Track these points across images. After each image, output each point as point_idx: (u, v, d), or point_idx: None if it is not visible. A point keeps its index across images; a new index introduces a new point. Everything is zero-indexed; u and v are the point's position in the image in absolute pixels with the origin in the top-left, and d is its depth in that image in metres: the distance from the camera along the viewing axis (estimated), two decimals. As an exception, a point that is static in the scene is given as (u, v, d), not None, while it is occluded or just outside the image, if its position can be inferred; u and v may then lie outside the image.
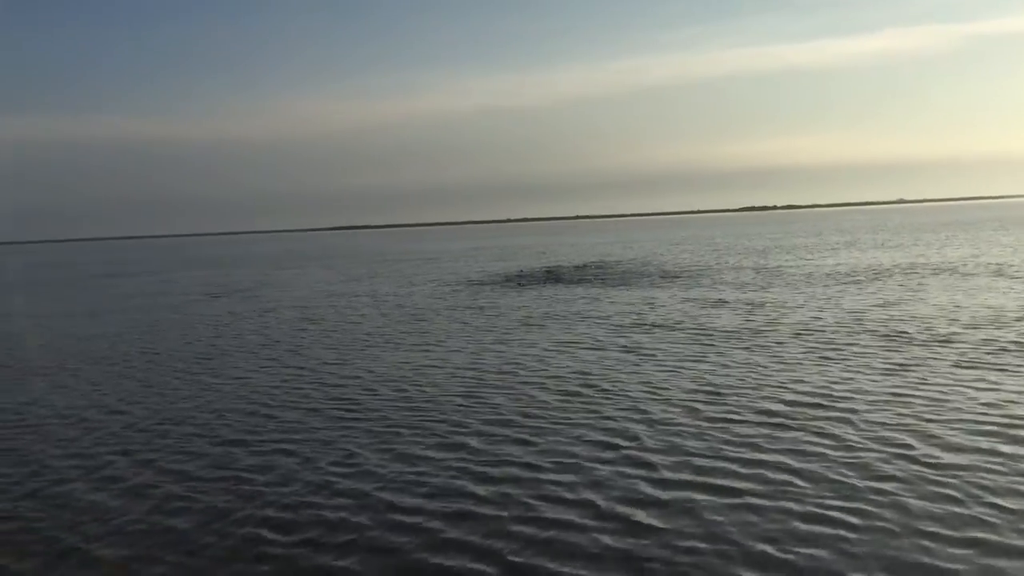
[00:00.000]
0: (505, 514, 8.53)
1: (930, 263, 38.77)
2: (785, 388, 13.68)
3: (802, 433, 10.96)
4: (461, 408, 13.25)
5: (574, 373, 15.73)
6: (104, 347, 22.22)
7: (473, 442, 11.20)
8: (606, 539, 7.79)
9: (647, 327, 21.41)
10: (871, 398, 12.70)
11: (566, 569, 7.24)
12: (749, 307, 24.69)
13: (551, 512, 8.52)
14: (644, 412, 12.46)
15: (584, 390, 14.20)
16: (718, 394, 13.45)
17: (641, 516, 8.30)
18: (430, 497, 9.10)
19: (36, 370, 18.95)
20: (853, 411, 11.97)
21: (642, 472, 9.64)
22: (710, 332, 20.02)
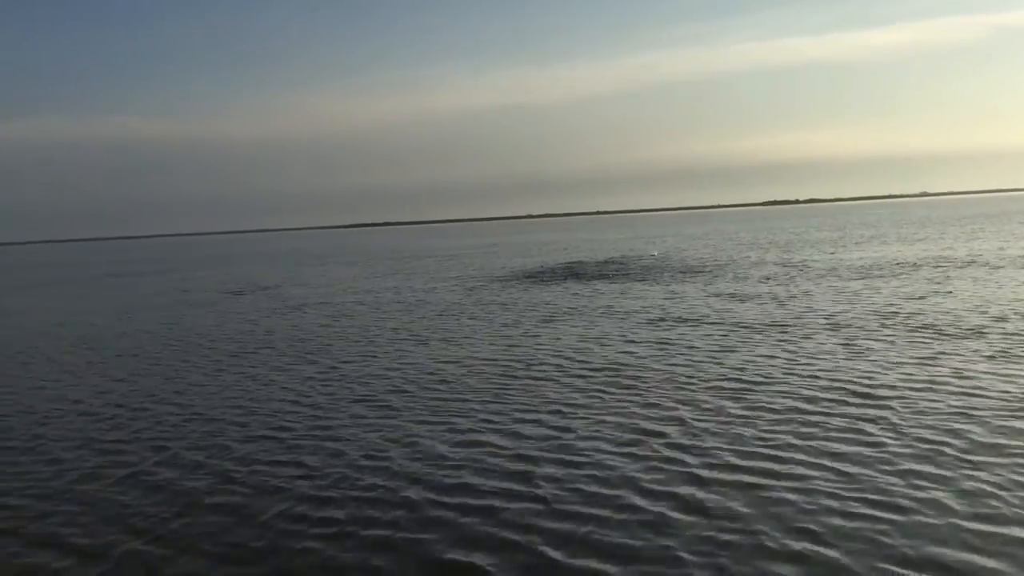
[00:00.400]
0: (541, 507, 8.54)
1: (957, 256, 38.39)
2: (819, 380, 13.63)
3: (840, 424, 10.92)
4: (492, 402, 13.28)
5: (607, 366, 15.71)
6: (134, 344, 22.44)
7: (501, 439, 11.22)
8: (646, 533, 7.78)
9: (675, 321, 21.34)
10: (906, 390, 12.61)
11: (604, 564, 7.24)
12: (776, 301, 24.56)
13: (587, 507, 8.52)
14: (681, 403, 12.47)
15: (618, 383, 14.20)
16: (752, 386, 13.43)
17: (679, 509, 8.29)
18: (463, 491, 9.13)
19: (68, 367, 19.17)
20: (889, 403, 11.90)
21: (680, 466, 9.62)
22: (739, 326, 19.92)
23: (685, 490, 8.81)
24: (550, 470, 9.72)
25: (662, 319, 21.92)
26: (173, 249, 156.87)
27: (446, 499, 8.92)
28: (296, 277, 48.75)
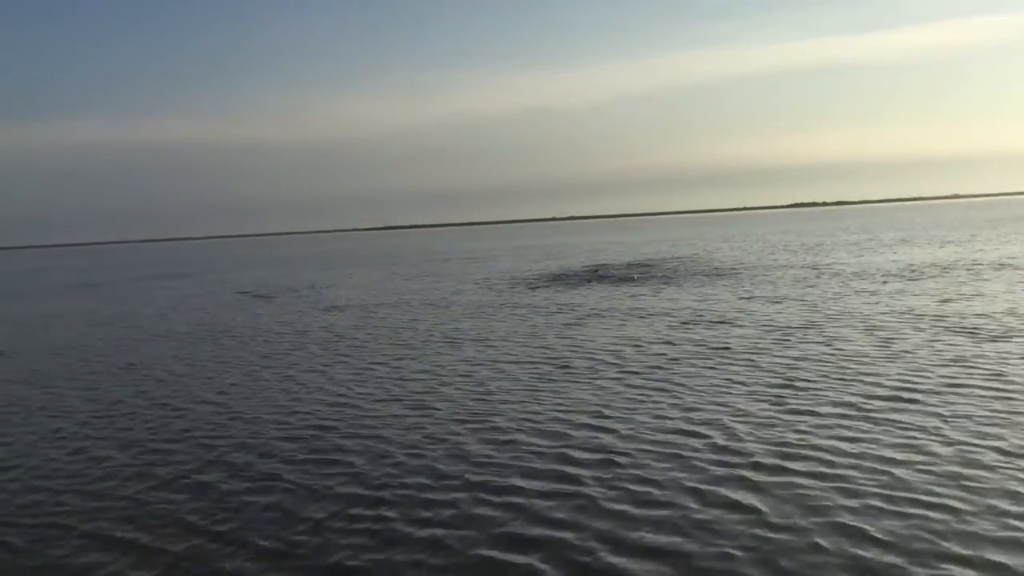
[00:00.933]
0: (590, 507, 8.65)
1: (990, 259, 38.04)
2: (860, 381, 13.64)
3: (886, 425, 10.95)
4: (530, 402, 13.39)
5: (644, 368, 15.78)
6: (172, 346, 22.81)
7: (542, 439, 11.32)
8: (697, 533, 7.86)
9: (710, 322, 21.36)
10: (947, 392, 12.59)
11: (657, 565, 7.32)
12: (809, 303, 24.49)
13: (636, 508, 8.60)
14: (721, 404, 12.53)
15: (655, 383, 14.28)
16: (794, 386, 13.47)
17: (732, 510, 8.35)
18: (511, 491, 9.24)
19: (110, 367, 19.52)
20: (931, 404, 11.91)
21: (726, 468, 9.68)
22: (775, 327, 19.91)
23: (736, 491, 8.86)
24: (596, 471, 9.80)
25: (698, 319, 21.94)
26: (208, 251, 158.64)
27: (494, 499, 9.03)
28: (324, 279, 49.16)
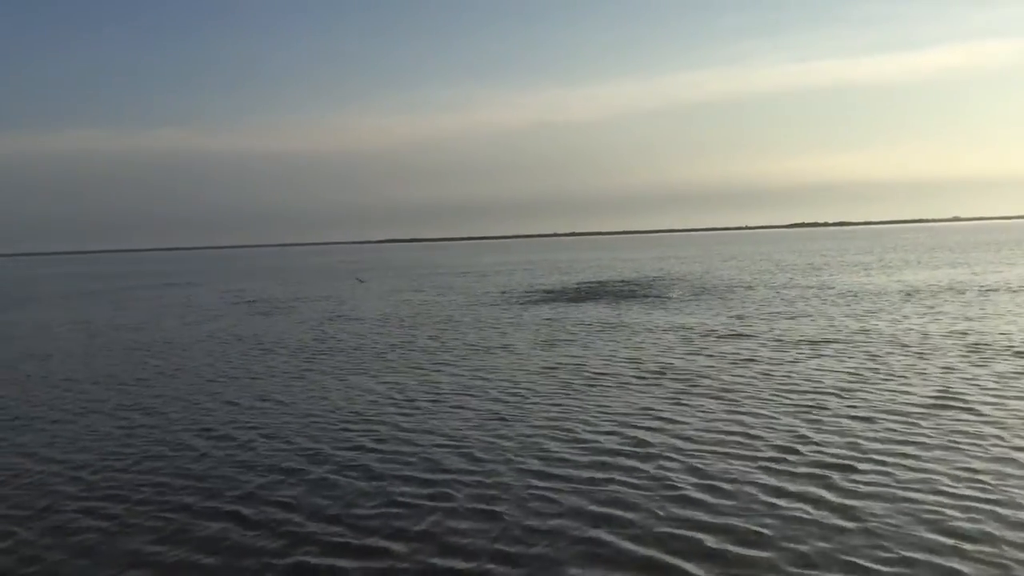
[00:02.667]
0: (651, 507, 9.51)
1: (1003, 280, 38.92)
2: (896, 392, 14.49)
3: (937, 433, 11.73)
4: (571, 405, 14.28)
5: (683, 376, 16.67)
6: (209, 349, 23.65)
7: (591, 435, 12.21)
8: (789, 525, 8.75)
9: (730, 336, 22.19)
10: (986, 403, 13.43)
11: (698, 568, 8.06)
12: (825, 319, 25.32)
13: (719, 498, 9.48)
14: (759, 411, 13.40)
15: (699, 392, 15.14)
16: (827, 396, 14.31)
17: (811, 505, 9.18)
18: (593, 483, 10.14)
19: (158, 369, 20.37)
20: (975, 413, 12.79)
21: (791, 465, 10.54)
22: (800, 342, 20.76)
23: (811, 489, 9.59)
24: (633, 478, 10.66)
25: (711, 333, 22.76)
26: (213, 261, 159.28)
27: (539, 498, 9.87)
28: (339, 290, 49.97)
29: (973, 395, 14.01)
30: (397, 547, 8.31)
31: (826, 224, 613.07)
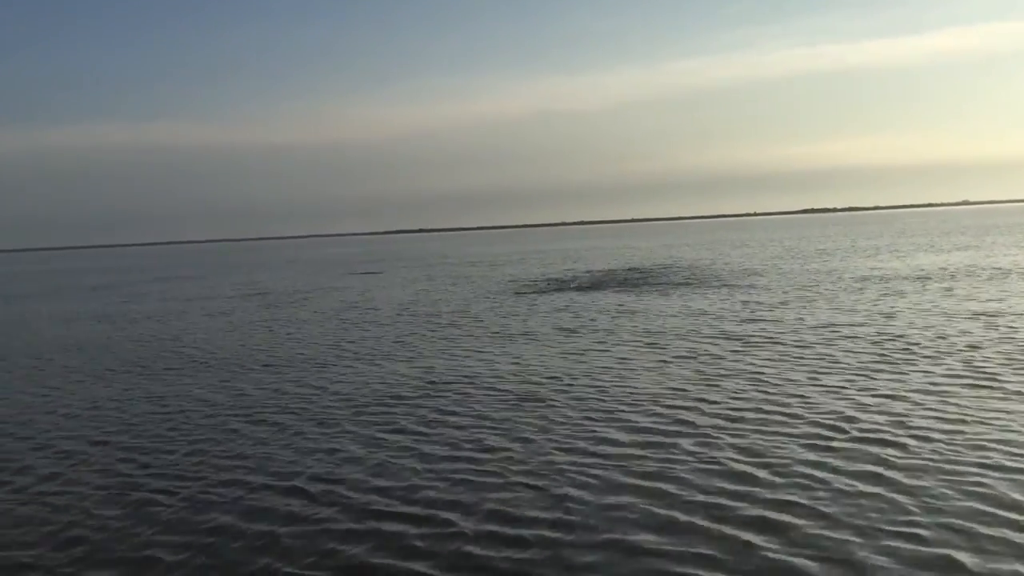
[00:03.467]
0: (699, 481, 9.81)
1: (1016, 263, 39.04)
2: (926, 371, 14.70)
3: (974, 409, 11.97)
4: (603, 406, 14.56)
5: (703, 363, 16.91)
6: (236, 341, 24.01)
7: (621, 433, 12.48)
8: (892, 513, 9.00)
9: (750, 320, 22.41)
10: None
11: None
12: (845, 302, 25.53)
13: (799, 494, 9.76)
14: (796, 395, 13.63)
15: (729, 373, 15.40)
16: (862, 374, 14.55)
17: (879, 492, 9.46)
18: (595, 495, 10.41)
19: (190, 363, 20.70)
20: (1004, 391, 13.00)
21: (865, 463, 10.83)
22: (820, 326, 21.00)
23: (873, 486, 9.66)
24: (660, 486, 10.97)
25: (744, 320, 22.99)
26: (233, 255, 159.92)
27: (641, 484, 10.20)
28: (349, 282, 50.29)
29: (1002, 373, 14.21)
30: (460, 519, 8.62)
31: (835, 210, 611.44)
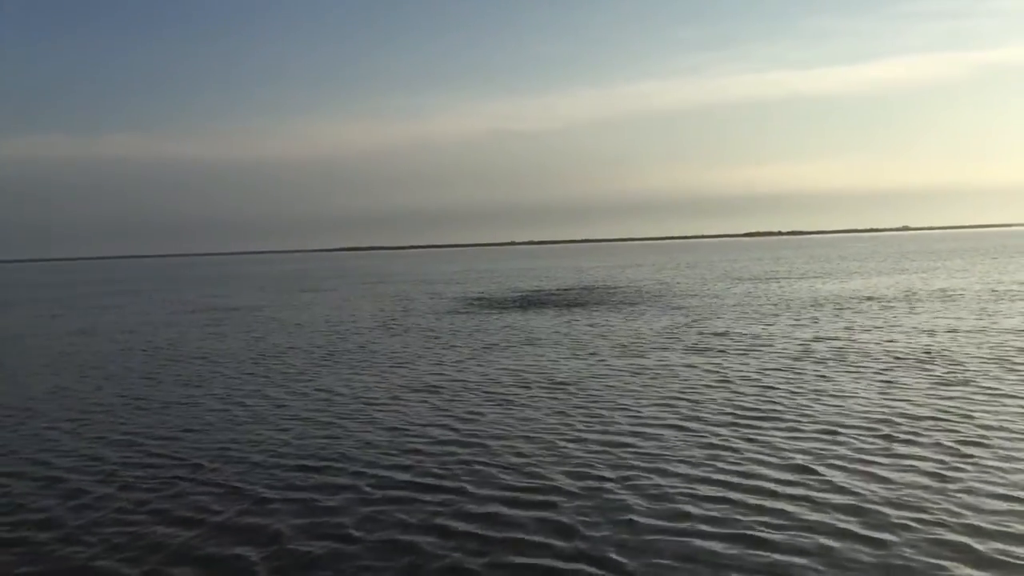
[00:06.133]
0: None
1: (988, 285, 39.25)
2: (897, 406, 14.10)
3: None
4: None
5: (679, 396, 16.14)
6: (234, 356, 22.72)
7: (643, 441, 11.57)
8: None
9: (706, 347, 21.78)
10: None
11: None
12: (805, 324, 25.09)
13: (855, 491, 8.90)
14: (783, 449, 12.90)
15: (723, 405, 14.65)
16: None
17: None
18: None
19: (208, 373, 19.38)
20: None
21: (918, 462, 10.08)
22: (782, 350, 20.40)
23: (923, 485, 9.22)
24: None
25: (697, 344, 22.36)
26: (181, 269, 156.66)
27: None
28: (298, 300, 48.97)
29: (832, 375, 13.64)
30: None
31: (780, 233, 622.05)
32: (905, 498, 9.10)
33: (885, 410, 13.44)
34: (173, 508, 9.68)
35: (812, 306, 32.54)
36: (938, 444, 11.27)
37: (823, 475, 10.05)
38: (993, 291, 36.56)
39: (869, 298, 35.41)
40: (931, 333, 22.84)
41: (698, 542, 8.05)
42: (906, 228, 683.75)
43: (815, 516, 8.65)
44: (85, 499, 10.12)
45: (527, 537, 8.42)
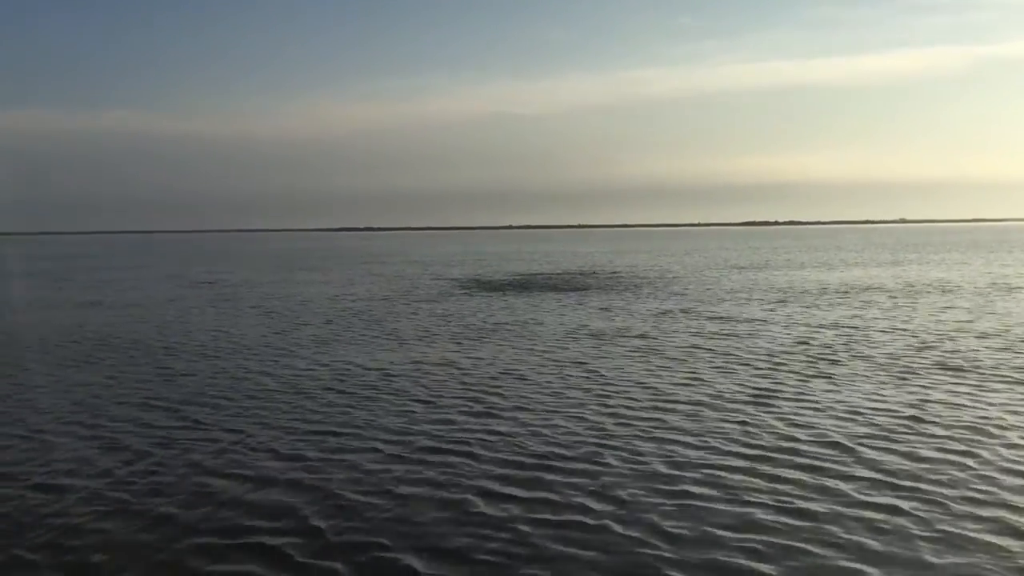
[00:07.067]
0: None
1: (998, 278, 39.64)
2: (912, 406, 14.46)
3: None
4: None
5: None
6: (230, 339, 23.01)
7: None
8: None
9: (713, 332, 22.14)
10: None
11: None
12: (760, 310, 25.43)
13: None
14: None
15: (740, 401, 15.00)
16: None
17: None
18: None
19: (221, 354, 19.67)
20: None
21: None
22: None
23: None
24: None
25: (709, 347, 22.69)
26: (172, 245, 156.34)
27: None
28: (301, 279, 49.22)
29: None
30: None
31: (777, 223, 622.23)
32: (933, 473, 9.45)
33: (903, 394, 13.80)
34: (228, 466, 10.17)
35: (815, 294, 32.91)
36: (958, 425, 11.61)
37: (849, 447, 10.43)
38: (993, 284, 36.98)
39: (869, 288, 35.80)
40: (935, 322, 23.22)
41: (737, 509, 8.43)
42: (903, 220, 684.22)
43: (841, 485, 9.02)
44: (149, 461, 10.46)
45: (564, 500, 8.79)
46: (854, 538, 7.57)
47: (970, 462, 9.81)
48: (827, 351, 18.16)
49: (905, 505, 8.41)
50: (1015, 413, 12.15)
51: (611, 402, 13.40)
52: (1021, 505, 8.34)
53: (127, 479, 9.66)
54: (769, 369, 16.14)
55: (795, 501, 8.57)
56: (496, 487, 9.21)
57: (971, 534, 7.62)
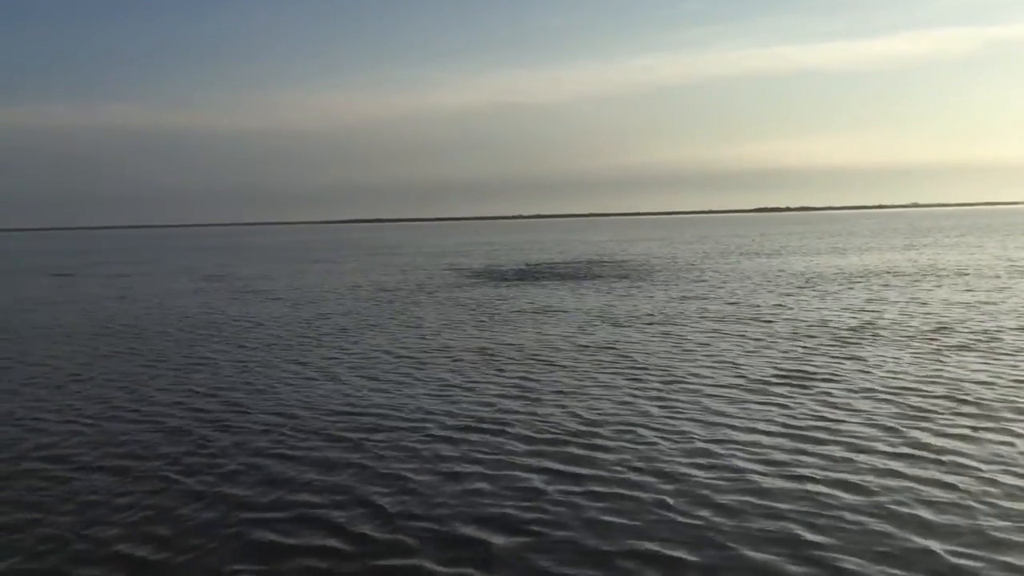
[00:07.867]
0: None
1: (1016, 261, 39.60)
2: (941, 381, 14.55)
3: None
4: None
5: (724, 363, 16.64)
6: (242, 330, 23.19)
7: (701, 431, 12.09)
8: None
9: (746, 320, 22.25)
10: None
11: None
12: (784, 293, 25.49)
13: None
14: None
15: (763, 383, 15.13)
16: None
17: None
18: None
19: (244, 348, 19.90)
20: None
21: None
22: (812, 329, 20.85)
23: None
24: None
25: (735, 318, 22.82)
26: (177, 239, 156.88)
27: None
28: (314, 270, 49.43)
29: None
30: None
31: (788, 209, 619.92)
32: (977, 450, 9.58)
33: (934, 373, 13.91)
34: (285, 448, 10.44)
35: (832, 279, 32.96)
36: (996, 403, 11.72)
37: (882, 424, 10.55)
38: (1012, 266, 36.92)
39: (886, 272, 35.81)
40: (957, 304, 23.26)
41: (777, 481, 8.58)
42: (916, 204, 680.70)
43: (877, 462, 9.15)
44: (211, 447, 10.69)
45: (613, 476, 8.98)
46: (912, 512, 7.70)
47: (1011, 439, 9.92)
48: (853, 334, 18.26)
49: (954, 480, 8.54)
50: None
51: (645, 384, 13.57)
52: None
53: (193, 464, 9.88)
54: (799, 352, 16.25)
55: (847, 476, 8.71)
56: (546, 463, 9.42)
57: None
